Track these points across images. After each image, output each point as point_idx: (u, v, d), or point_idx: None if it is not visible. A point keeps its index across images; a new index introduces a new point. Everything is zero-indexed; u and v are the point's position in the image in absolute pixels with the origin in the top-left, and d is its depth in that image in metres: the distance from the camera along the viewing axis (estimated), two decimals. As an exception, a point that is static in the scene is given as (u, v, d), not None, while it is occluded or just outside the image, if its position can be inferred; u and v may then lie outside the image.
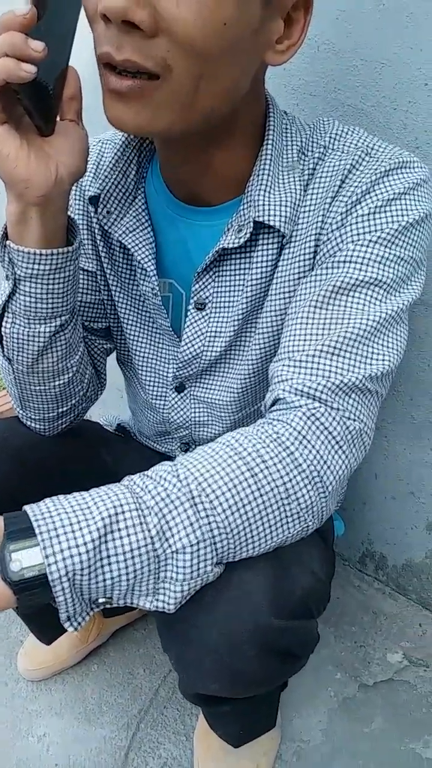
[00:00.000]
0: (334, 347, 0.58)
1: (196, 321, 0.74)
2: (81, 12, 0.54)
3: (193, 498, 0.51)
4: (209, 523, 0.51)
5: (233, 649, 0.55)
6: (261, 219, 0.64)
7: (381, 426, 1.05)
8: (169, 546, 0.50)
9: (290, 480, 0.54)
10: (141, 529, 0.50)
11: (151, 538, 0.50)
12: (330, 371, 0.57)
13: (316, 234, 0.64)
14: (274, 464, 0.54)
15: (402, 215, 0.61)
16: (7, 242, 0.61)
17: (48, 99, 0.55)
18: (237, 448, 0.54)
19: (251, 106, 0.63)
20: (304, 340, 0.60)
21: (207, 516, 0.51)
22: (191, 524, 0.51)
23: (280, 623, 0.55)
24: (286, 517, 0.54)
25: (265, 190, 0.64)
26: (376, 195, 0.61)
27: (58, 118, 0.58)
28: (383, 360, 0.59)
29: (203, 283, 0.71)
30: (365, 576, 1.22)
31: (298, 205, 0.65)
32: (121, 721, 1.00)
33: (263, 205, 0.64)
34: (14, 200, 0.58)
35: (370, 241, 0.60)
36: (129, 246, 0.71)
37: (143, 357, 0.82)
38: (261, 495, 0.53)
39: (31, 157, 0.55)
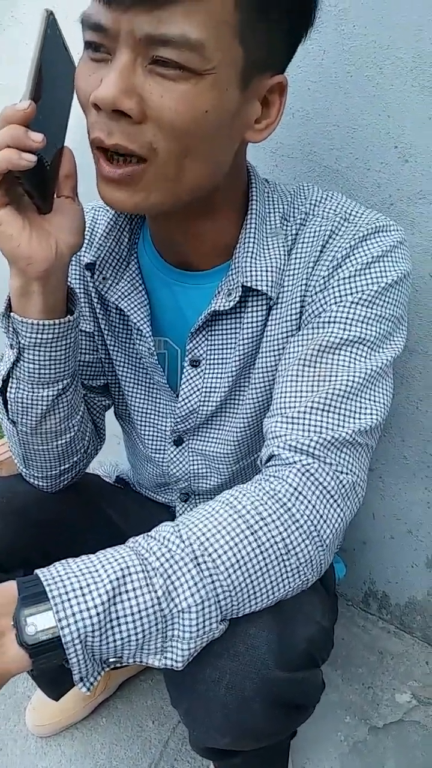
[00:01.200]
0: (324, 404, 0.61)
1: (191, 377, 0.77)
2: (74, 97, 0.59)
3: (196, 558, 0.53)
4: (213, 582, 0.53)
5: (241, 704, 0.56)
6: (249, 284, 0.68)
7: (375, 467, 1.08)
8: (176, 606, 0.52)
9: (289, 536, 0.56)
10: (148, 590, 0.52)
11: (158, 598, 0.52)
12: (321, 427, 0.60)
13: (301, 296, 0.68)
14: (273, 521, 0.56)
15: (381, 277, 0.65)
16: (11, 313, 0.64)
17: (46, 180, 0.59)
18: (236, 506, 0.57)
19: (234, 179, 0.67)
20: (295, 397, 0.63)
21: (210, 575, 0.53)
22: (195, 584, 0.53)
23: (286, 675, 0.57)
24: (287, 572, 0.56)
25: (251, 257, 0.68)
26: (355, 258, 0.65)
27: (55, 196, 0.62)
28: (371, 414, 0.62)
29: (197, 341, 0.75)
30: (369, 615, 1.23)
31: (283, 269, 0.69)
32: (132, 776, 1.00)
33: (250, 270, 0.68)
34: (17, 275, 0.62)
35: (352, 302, 0.64)
36: (125, 309, 0.74)
37: (142, 412, 0.85)
38: (261, 552, 0.55)
39: (33, 236, 0.59)
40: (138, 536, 0.57)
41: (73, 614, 0.49)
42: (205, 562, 0.53)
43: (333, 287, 0.66)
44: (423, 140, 0.82)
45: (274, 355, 0.72)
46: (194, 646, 0.54)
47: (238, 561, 0.54)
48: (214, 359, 0.76)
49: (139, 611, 0.51)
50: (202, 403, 0.78)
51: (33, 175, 0.56)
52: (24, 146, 0.53)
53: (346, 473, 0.60)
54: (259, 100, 0.61)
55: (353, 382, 0.62)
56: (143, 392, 0.84)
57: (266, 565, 0.55)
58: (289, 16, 0.59)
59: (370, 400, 0.62)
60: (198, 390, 0.78)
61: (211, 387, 0.77)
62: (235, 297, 0.69)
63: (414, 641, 1.16)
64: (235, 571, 0.54)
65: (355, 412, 0.61)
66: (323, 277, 0.66)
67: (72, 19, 0.57)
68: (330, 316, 0.65)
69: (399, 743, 0.99)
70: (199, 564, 0.53)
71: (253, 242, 0.69)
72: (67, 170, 0.62)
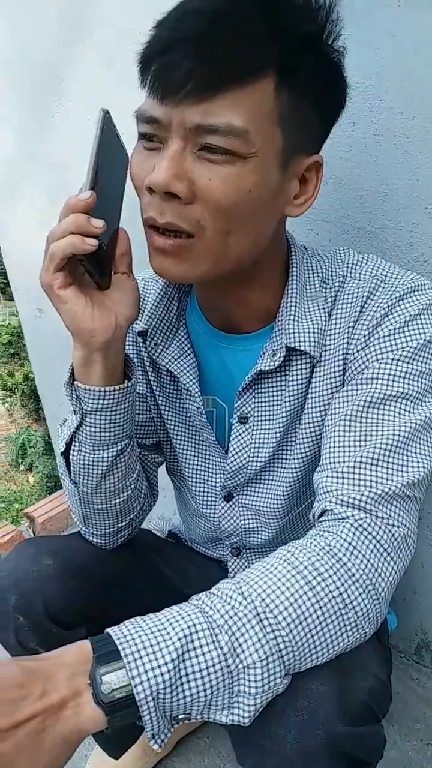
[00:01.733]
0: (372, 458, 0.64)
1: (240, 434, 0.81)
2: (126, 183, 0.65)
3: (258, 615, 0.55)
4: (275, 638, 0.55)
5: (306, 759, 0.57)
6: (292, 345, 0.72)
7: (422, 516, 1.08)
8: (241, 662, 0.54)
9: (346, 590, 0.58)
10: (215, 647, 0.54)
11: (224, 655, 0.54)
12: (371, 481, 0.63)
13: (343, 354, 0.72)
14: (330, 576, 0.58)
15: (420, 333, 0.68)
16: (75, 382, 0.70)
17: (105, 259, 0.65)
18: (293, 562, 0.59)
19: (275, 249, 0.72)
20: (344, 452, 0.66)
21: (273, 631, 0.55)
22: (259, 640, 0.54)
23: (349, 730, 0.57)
24: (346, 626, 0.58)
25: (293, 319, 0.73)
26: (394, 317, 0.69)
27: (112, 273, 0.68)
28: (418, 467, 0.64)
29: (245, 399, 0.78)
30: (423, 668, 1.20)
31: (324, 329, 0.73)
32: None
33: (293, 332, 0.72)
34: (81, 348, 0.67)
35: (392, 359, 0.67)
36: (175, 372, 0.79)
37: (192, 468, 0.88)
38: (320, 607, 0.57)
39: (95, 311, 0.65)
40: (201, 594, 0.59)
41: (146, 671, 0.51)
42: (267, 618, 0.55)
43: (374, 345, 0.69)
44: (452, 201, 0.86)
45: (320, 411, 0.75)
46: (260, 701, 0.55)
47: (298, 617, 0.56)
48: (261, 416, 0.79)
49: (207, 668, 0.53)
50: (251, 459, 0.81)
51: (93, 256, 0.62)
52: (87, 232, 0.59)
53: (398, 526, 0.62)
54: (297, 179, 0.66)
55: (399, 435, 0.64)
56: (194, 449, 0.87)
57: (325, 620, 0.57)
58: (322, 103, 0.64)
59: (416, 453, 0.65)
60: (247, 446, 0.81)
61: (259, 443, 0.80)
62: (279, 357, 0.73)
63: (471, 694, 1.14)
64: (296, 627, 0.56)
65: (402, 465, 0.64)
66: (364, 336, 0.70)
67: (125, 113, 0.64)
68: (372, 373, 0.68)
69: (463, 803, 0.97)
70: (261, 620, 0.55)
71: (295, 305, 0.73)
72: (123, 249, 0.68)
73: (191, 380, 0.79)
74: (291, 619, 0.56)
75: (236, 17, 0.56)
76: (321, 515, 0.65)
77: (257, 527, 0.87)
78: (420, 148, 0.86)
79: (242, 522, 0.87)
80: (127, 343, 0.84)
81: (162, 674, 0.52)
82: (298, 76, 0.60)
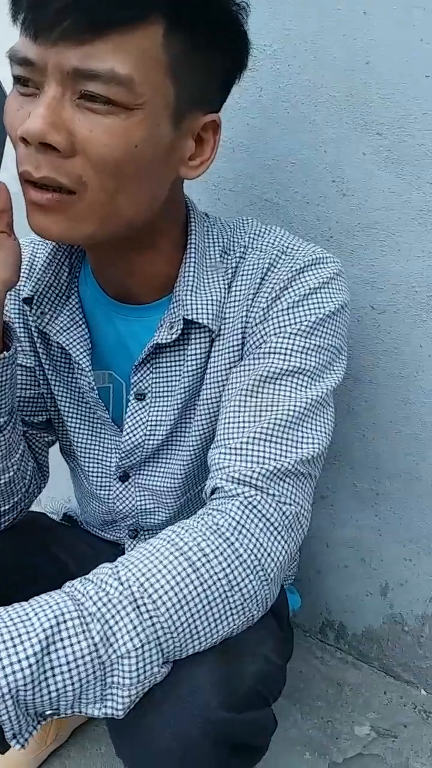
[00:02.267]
0: (266, 434, 0.61)
1: (136, 411, 0.76)
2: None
3: (135, 600, 0.52)
4: (153, 624, 0.52)
5: (188, 749, 0.54)
6: (190, 317, 0.68)
7: (326, 495, 1.08)
8: (114, 651, 0.50)
9: (232, 572, 0.55)
10: (84, 636, 0.50)
11: (95, 645, 0.50)
12: (264, 457, 0.60)
13: (242, 327, 0.69)
14: (216, 557, 0.55)
15: (319, 308, 0.66)
16: None
17: None
18: (178, 543, 0.55)
19: (171, 213, 0.68)
20: (238, 427, 0.63)
21: (150, 617, 0.52)
22: (134, 627, 0.51)
23: (233, 716, 0.55)
24: (231, 609, 0.55)
25: (191, 290, 0.69)
26: (293, 290, 0.66)
27: None
28: (313, 444, 0.62)
29: (141, 374, 0.74)
30: (327, 646, 1.21)
31: (224, 302, 0.69)
32: None
33: (191, 304, 0.68)
34: None
35: (291, 333, 0.65)
36: (64, 344, 0.73)
37: (85, 448, 0.83)
38: (204, 590, 0.54)
39: None
40: (75, 580, 0.55)
41: (3, 668, 0.47)
42: (144, 604, 0.52)
43: (272, 318, 0.67)
44: (358, 175, 0.84)
45: (218, 387, 0.72)
46: (135, 692, 0.52)
47: (179, 600, 0.53)
48: (159, 392, 0.75)
49: (75, 659, 0.49)
50: (147, 437, 0.77)
51: None
52: None
53: (290, 504, 0.60)
54: (192, 138, 0.62)
55: (295, 411, 0.62)
56: (86, 427, 0.82)
57: (209, 603, 0.54)
58: (220, 58, 0.60)
59: (311, 429, 0.63)
60: (143, 424, 0.77)
61: (156, 420, 0.76)
62: (177, 330, 0.69)
63: (372, 671, 1.15)
64: (176, 612, 0.52)
65: (297, 441, 0.62)
66: (263, 309, 0.67)
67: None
68: (270, 347, 0.66)
69: (359, 778, 0.98)
70: (138, 606, 0.52)
71: (193, 276, 0.69)
72: (1, 205, 0.61)
73: (82, 353, 0.74)
74: (171, 603, 0.52)
75: None
76: (212, 493, 0.62)
77: (154, 508, 0.84)
78: (327, 118, 0.84)
79: (138, 503, 0.83)
80: (12, 311, 0.78)
81: (22, 669, 0.47)
82: (191, 24, 0.55)
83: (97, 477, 0.84)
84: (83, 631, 0.50)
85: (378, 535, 1.04)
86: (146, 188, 0.60)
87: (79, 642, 0.49)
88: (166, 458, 0.79)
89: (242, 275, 0.70)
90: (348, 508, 1.06)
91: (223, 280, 0.70)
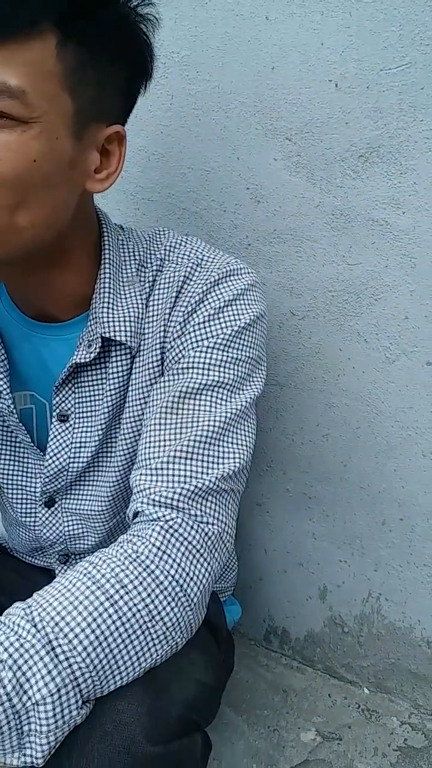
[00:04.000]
0: (186, 452, 0.60)
1: (60, 433, 0.73)
2: None
3: (50, 642, 0.49)
4: (69, 666, 0.49)
5: (113, 789, 0.52)
6: (108, 335, 0.66)
7: (262, 502, 1.07)
8: (29, 698, 0.48)
9: (152, 601, 0.53)
10: None
11: (7, 694, 0.47)
12: (184, 477, 0.59)
13: (160, 343, 0.67)
14: (135, 587, 0.53)
15: (235, 320, 0.65)
16: None
17: None
18: (95, 576, 0.53)
19: (81, 228, 0.65)
20: (158, 446, 0.62)
21: (67, 659, 0.49)
22: (49, 672, 0.48)
23: (159, 750, 0.53)
24: (153, 640, 0.53)
25: (108, 308, 0.67)
26: (209, 303, 0.65)
27: None
28: (234, 459, 0.61)
29: (63, 395, 0.71)
30: (272, 653, 1.21)
31: (142, 317, 0.68)
32: None
33: (108, 321, 0.66)
34: None
35: (208, 347, 0.64)
36: None
37: (6, 473, 0.79)
38: (123, 624, 0.52)
39: None
40: None
41: None
42: (60, 645, 0.49)
43: (189, 333, 0.65)
44: (270, 181, 0.83)
45: (141, 405, 0.70)
46: (54, 739, 0.49)
47: (97, 638, 0.50)
48: (82, 413, 0.72)
49: None
50: (72, 461, 0.74)
51: None
52: None
53: (212, 523, 0.58)
54: (97, 150, 0.60)
55: (215, 426, 0.61)
56: (8, 452, 0.79)
57: (128, 636, 0.52)
58: (120, 68, 0.58)
59: (232, 443, 0.62)
60: (67, 446, 0.74)
61: (81, 442, 0.73)
62: (95, 348, 0.67)
63: (316, 674, 1.15)
64: (94, 650, 0.50)
65: (217, 457, 0.61)
66: (179, 323, 0.66)
67: None
68: (188, 362, 0.64)
69: (307, 785, 0.97)
70: (54, 648, 0.49)
71: (109, 292, 0.67)
72: None
73: None
74: (89, 642, 0.50)
75: None
76: (134, 517, 0.60)
77: (83, 533, 0.81)
78: (238, 125, 0.83)
79: (66, 529, 0.80)
80: None
81: None
82: (83, 35, 0.53)
83: (22, 504, 0.81)
84: None
85: (313, 538, 1.04)
86: (49, 204, 0.57)
87: None
88: (93, 481, 0.77)
89: (159, 289, 0.68)
90: (283, 514, 1.06)
91: (140, 294, 0.68)
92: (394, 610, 1.01)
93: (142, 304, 0.68)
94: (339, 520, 1.00)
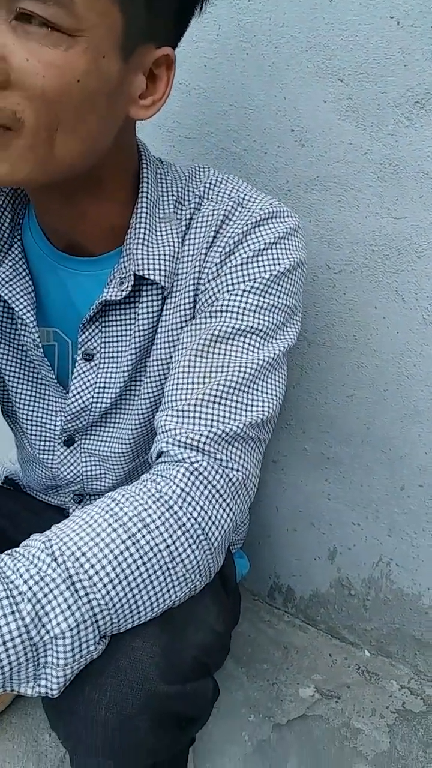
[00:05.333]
0: (215, 395, 0.58)
1: (84, 372, 0.72)
2: None
3: (70, 577, 0.49)
4: (89, 602, 0.49)
5: (124, 723, 0.52)
6: (141, 273, 0.64)
7: (277, 459, 1.06)
8: (47, 632, 0.48)
9: (174, 542, 0.52)
10: (14, 618, 0.47)
11: (26, 626, 0.47)
12: (212, 420, 0.57)
13: (194, 284, 0.65)
14: (157, 527, 0.52)
15: (274, 264, 0.62)
16: None
17: None
18: (117, 513, 0.52)
19: (120, 158, 0.62)
20: (186, 389, 0.60)
21: (87, 594, 0.49)
22: (69, 607, 0.48)
23: (173, 689, 0.53)
24: (173, 581, 0.53)
25: (143, 244, 0.64)
26: (248, 245, 0.63)
27: None
28: (263, 407, 0.59)
29: (90, 333, 0.69)
30: (275, 610, 1.21)
31: (177, 257, 0.65)
32: (25, 798, 0.93)
33: (142, 259, 0.64)
34: None
35: (244, 290, 0.61)
36: (5, 297, 0.68)
37: (28, 410, 0.78)
38: (144, 563, 0.51)
39: None
40: (4, 554, 0.51)
41: None
42: (80, 580, 0.49)
43: (225, 275, 0.63)
44: (317, 124, 0.79)
45: (169, 347, 0.68)
46: (70, 672, 0.49)
47: (117, 575, 0.50)
48: (108, 353, 0.70)
49: (4, 642, 0.46)
50: (95, 400, 0.73)
51: None
52: None
53: (237, 469, 0.57)
54: (144, 74, 0.56)
55: (245, 373, 0.59)
56: (30, 388, 0.77)
57: (149, 576, 0.51)
58: None
59: (262, 392, 0.60)
60: (91, 386, 0.72)
61: (105, 382, 0.72)
62: (127, 287, 0.64)
63: (318, 634, 1.16)
64: (114, 587, 0.49)
65: (246, 404, 0.59)
66: (216, 264, 0.63)
67: None
68: (222, 305, 0.62)
69: (302, 739, 0.98)
70: (74, 583, 0.48)
71: (145, 228, 0.64)
72: None
73: (25, 308, 0.68)
74: (109, 579, 0.49)
75: None
76: (158, 457, 0.59)
77: (101, 474, 0.80)
78: (288, 61, 0.79)
79: (84, 469, 0.79)
80: None
81: None
82: None
83: (40, 441, 0.80)
84: (12, 612, 0.47)
85: (327, 499, 1.03)
86: (89, 127, 0.54)
87: (8, 624, 0.46)
88: (115, 422, 0.75)
89: (197, 228, 0.65)
90: (298, 473, 1.05)
91: (177, 233, 0.66)
92: (404, 576, 1.00)
93: (178, 242, 0.65)
94: (356, 482, 0.99)
